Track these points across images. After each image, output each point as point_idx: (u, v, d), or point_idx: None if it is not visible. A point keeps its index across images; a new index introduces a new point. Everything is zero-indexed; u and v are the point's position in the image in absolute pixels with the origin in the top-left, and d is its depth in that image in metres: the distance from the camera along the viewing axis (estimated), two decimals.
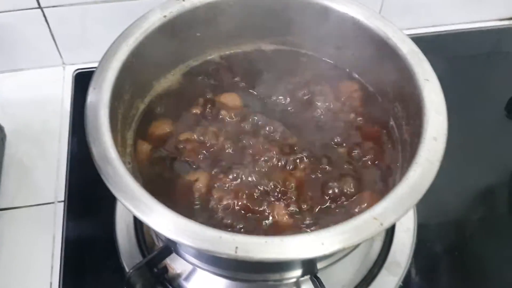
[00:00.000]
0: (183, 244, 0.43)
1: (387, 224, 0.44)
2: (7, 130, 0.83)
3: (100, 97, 0.52)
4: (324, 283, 0.59)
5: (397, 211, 0.45)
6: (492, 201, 0.77)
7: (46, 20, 0.86)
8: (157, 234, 0.62)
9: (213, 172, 0.58)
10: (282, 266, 0.53)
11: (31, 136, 0.84)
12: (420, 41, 0.90)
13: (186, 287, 0.65)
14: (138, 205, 0.45)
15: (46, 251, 0.71)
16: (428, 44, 0.93)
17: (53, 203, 0.76)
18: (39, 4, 0.84)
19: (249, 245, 0.43)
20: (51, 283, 0.69)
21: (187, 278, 0.65)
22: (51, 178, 0.79)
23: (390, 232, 0.69)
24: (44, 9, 0.85)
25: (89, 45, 0.89)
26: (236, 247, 0.43)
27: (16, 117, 0.86)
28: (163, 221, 0.45)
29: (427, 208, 0.71)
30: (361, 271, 0.66)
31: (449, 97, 0.66)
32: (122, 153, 0.54)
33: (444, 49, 0.95)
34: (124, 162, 0.49)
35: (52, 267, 0.70)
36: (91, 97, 0.52)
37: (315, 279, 0.58)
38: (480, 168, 0.79)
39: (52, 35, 0.89)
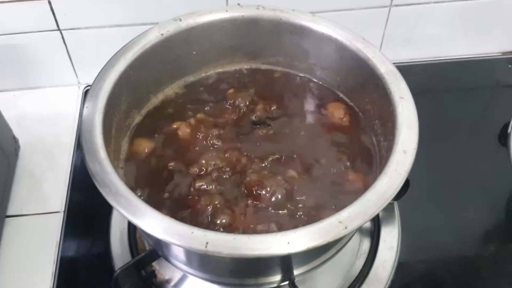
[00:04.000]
0: (154, 237, 0.45)
1: (351, 227, 0.45)
2: (21, 142, 0.85)
3: (96, 104, 0.54)
4: None
5: (362, 217, 0.46)
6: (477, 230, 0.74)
7: (64, 42, 0.88)
8: (145, 238, 0.63)
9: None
10: (258, 267, 0.54)
11: (43, 149, 0.86)
12: (421, 69, 0.95)
13: None
14: (117, 198, 0.47)
15: (49, 256, 0.72)
16: (427, 72, 0.96)
17: (59, 212, 0.77)
18: (58, 26, 0.86)
19: (218, 241, 0.44)
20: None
21: (175, 285, 0.66)
22: (59, 189, 0.80)
23: (373, 250, 0.68)
24: (63, 31, 0.87)
25: (103, 65, 0.93)
26: (207, 242, 0.44)
27: (31, 130, 0.88)
28: (139, 213, 0.46)
29: (413, 228, 0.72)
30: (343, 286, 0.65)
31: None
32: (115, 157, 0.56)
33: (442, 78, 0.95)
34: (116, 167, 0.52)
35: (53, 272, 0.70)
36: (88, 103, 0.54)
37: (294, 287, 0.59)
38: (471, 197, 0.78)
39: (69, 55, 0.91)
